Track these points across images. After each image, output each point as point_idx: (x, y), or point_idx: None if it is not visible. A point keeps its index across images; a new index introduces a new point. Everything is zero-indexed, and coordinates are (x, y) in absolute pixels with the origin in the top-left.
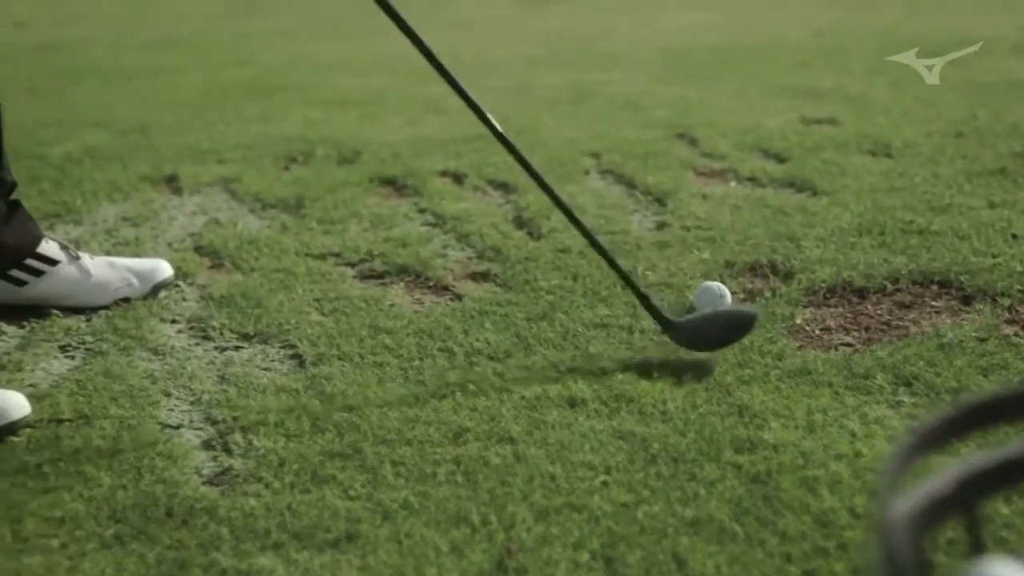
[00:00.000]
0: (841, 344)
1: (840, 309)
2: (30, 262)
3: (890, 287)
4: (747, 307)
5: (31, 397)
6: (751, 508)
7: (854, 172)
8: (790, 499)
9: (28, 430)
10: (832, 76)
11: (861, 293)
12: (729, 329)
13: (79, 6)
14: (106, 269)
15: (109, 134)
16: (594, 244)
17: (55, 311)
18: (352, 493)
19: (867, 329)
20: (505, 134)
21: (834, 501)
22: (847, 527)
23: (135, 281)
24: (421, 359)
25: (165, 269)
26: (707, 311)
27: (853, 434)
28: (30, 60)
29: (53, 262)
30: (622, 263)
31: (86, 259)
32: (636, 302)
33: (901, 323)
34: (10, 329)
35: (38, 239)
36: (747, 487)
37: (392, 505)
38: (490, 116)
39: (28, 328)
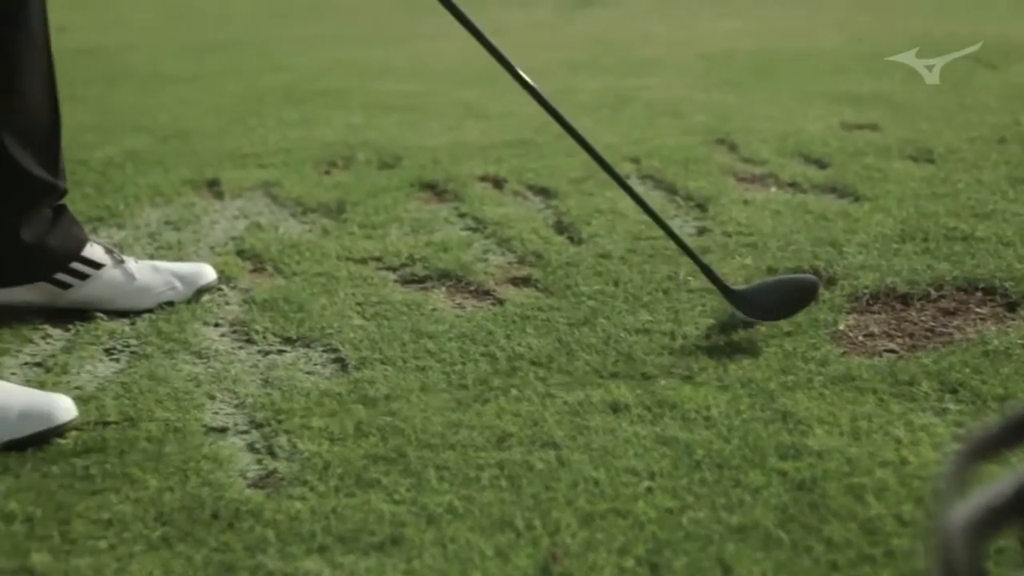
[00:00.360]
0: (885, 351)
1: (884, 315)
2: (75, 265)
3: (934, 293)
4: (807, 275)
5: (77, 399)
6: (797, 515)
7: (896, 178)
8: (836, 506)
9: (75, 432)
10: (872, 81)
11: (905, 299)
12: (791, 296)
13: (118, 11)
14: (150, 273)
15: (150, 138)
16: (658, 220)
17: (99, 314)
18: (396, 497)
19: (911, 336)
20: (575, 127)
21: (880, 508)
22: (894, 534)
23: (178, 285)
24: (463, 363)
25: (208, 273)
26: (766, 280)
27: (899, 441)
28: (71, 65)
29: (98, 266)
30: (680, 235)
31: (130, 263)
32: (680, 306)
33: (946, 330)
34: (55, 332)
35: (83, 243)
36: (792, 494)
37: (437, 509)
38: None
39: (73, 331)
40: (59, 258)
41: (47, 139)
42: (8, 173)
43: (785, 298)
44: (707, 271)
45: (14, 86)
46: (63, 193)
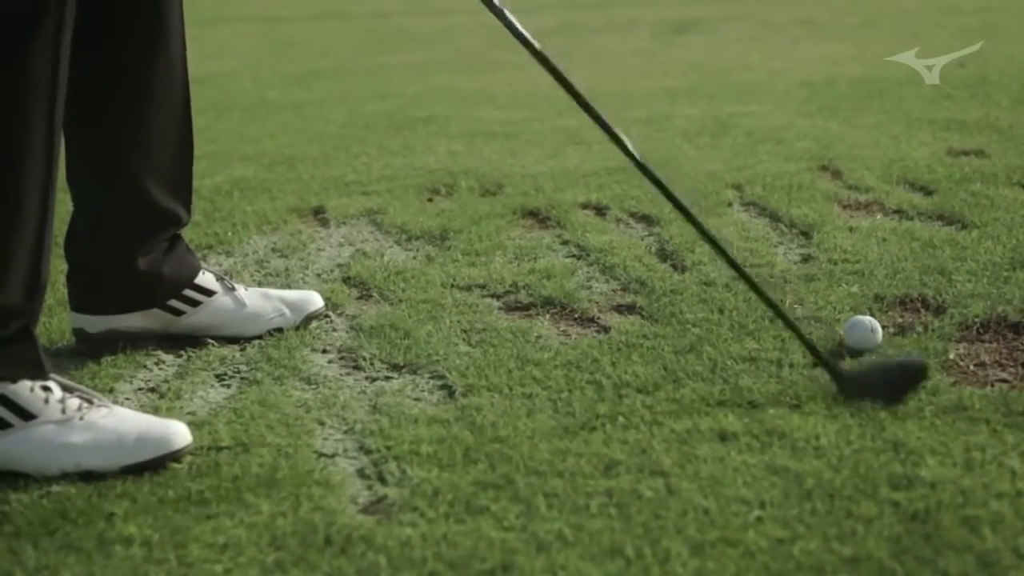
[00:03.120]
0: (997, 380)
1: (995, 344)
2: (187, 293)
3: None
4: (915, 357)
5: (190, 424)
6: (911, 547)
7: (1005, 205)
8: (951, 538)
9: (189, 457)
10: (977, 107)
11: (1016, 328)
12: (900, 379)
13: (222, 40)
14: (259, 300)
15: (256, 167)
16: (743, 276)
17: (210, 340)
18: (506, 524)
19: None
20: (644, 161)
21: (997, 541)
22: (1011, 567)
23: (287, 311)
24: (570, 391)
25: (316, 300)
26: (873, 360)
27: (1014, 472)
28: None
29: (209, 293)
30: (772, 295)
31: (240, 290)
32: (786, 335)
33: None
34: (168, 358)
35: (196, 271)
36: (906, 525)
37: (546, 537)
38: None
39: (185, 357)
40: (173, 286)
41: (181, 172)
42: (140, 206)
43: (893, 381)
44: (811, 349)
45: (152, 121)
46: (184, 224)
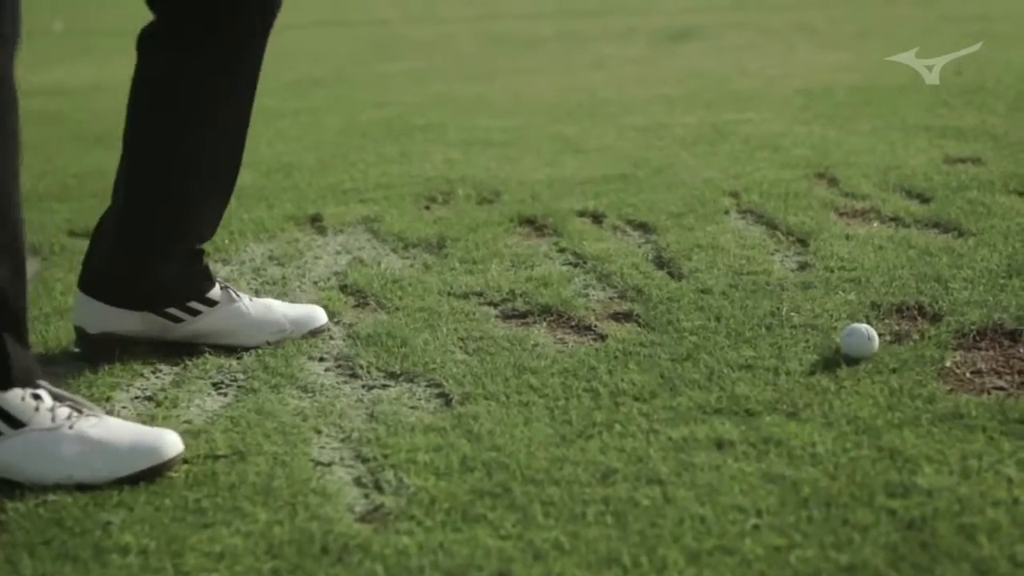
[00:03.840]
0: (994, 388)
1: (992, 352)
2: (192, 304)
3: None
4: None
5: (187, 433)
6: (907, 555)
7: (1001, 212)
8: (947, 546)
9: (186, 466)
10: (974, 115)
11: (1013, 336)
12: None
13: None
14: (263, 312)
15: (254, 174)
16: None
17: (207, 348)
18: (503, 532)
19: (1020, 373)
20: None
21: (993, 549)
22: (1007, 575)
23: (288, 327)
24: (567, 399)
25: (320, 316)
26: None
27: (1010, 480)
28: None
29: (212, 303)
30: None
31: (244, 300)
32: (783, 342)
33: None
34: (165, 366)
35: (209, 288)
36: (902, 533)
37: (543, 545)
38: None
39: (181, 365)
40: (182, 296)
41: (220, 197)
42: (172, 223)
43: None
44: None
45: (204, 150)
46: (207, 240)
